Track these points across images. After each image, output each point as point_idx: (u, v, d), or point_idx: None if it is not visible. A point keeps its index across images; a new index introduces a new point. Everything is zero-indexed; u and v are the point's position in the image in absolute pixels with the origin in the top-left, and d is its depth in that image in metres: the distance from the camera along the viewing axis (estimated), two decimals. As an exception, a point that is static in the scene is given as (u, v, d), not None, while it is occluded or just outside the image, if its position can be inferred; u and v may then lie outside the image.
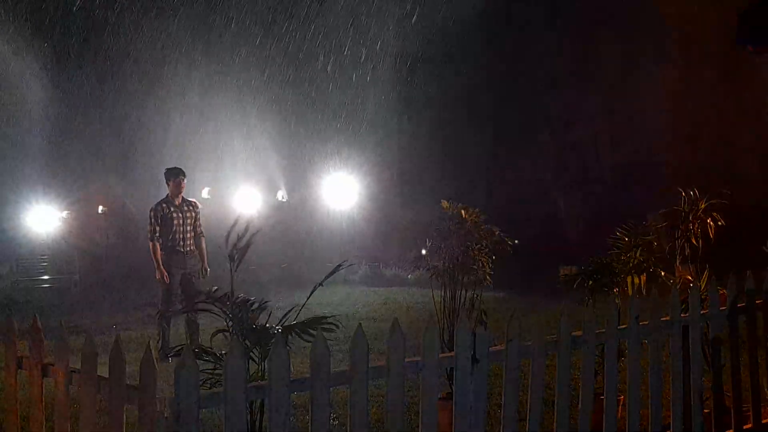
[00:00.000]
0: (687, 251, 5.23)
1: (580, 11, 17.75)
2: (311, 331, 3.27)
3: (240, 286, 3.50)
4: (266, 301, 3.48)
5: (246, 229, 3.44)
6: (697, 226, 5.19)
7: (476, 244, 5.29)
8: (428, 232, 5.50)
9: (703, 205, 5.23)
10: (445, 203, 5.39)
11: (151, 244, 8.43)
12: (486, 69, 19.07)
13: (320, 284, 3.63)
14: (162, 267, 8.33)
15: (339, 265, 3.78)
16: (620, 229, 5.41)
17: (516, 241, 5.44)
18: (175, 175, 8.52)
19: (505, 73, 18.75)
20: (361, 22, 19.84)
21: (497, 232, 5.37)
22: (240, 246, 3.42)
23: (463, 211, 5.31)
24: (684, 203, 5.30)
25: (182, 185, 8.52)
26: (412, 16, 18.94)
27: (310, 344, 3.14)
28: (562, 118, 18.45)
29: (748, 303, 4.72)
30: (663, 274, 5.15)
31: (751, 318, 4.74)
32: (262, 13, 20.31)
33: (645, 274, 5.14)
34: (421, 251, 5.93)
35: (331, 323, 3.38)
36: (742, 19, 4.01)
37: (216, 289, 3.49)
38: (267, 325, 3.35)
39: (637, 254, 5.21)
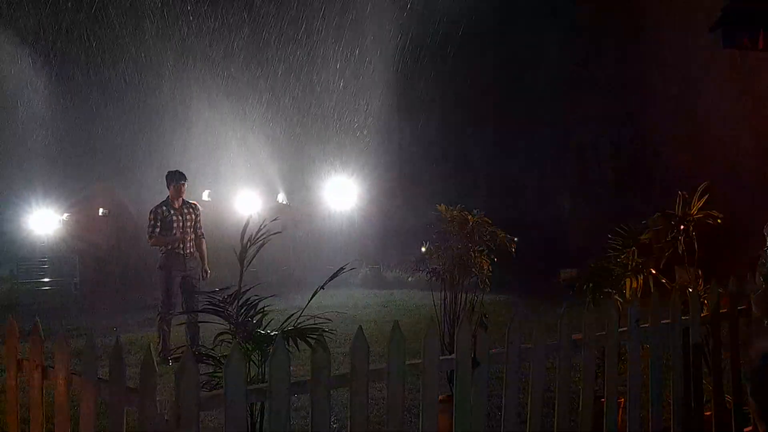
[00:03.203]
0: (684, 253, 5.21)
1: (578, 11, 17.75)
2: (309, 339, 3.27)
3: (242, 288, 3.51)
4: (267, 306, 3.49)
5: (258, 231, 3.49)
6: (692, 228, 5.17)
7: (477, 246, 5.30)
8: (428, 234, 5.52)
9: (696, 208, 5.22)
10: (441, 207, 5.42)
11: (153, 239, 8.46)
12: (487, 70, 19.09)
13: (322, 287, 3.65)
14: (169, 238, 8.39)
15: (341, 269, 3.79)
16: (617, 230, 5.40)
17: (516, 239, 5.45)
18: (176, 180, 8.55)
19: (506, 75, 18.76)
20: (359, 27, 19.87)
21: (502, 235, 5.38)
22: (250, 245, 3.46)
23: (464, 213, 5.33)
24: (678, 206, 5.28)
25: (182, 190, 8.55)
26: (410, 17, 18.96)
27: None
28: (565, 121, 18.44)
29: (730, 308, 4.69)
30: (654, 272, 5.12)
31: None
32: (262, 18, 20.33)
33: (642, 277, 5.13)
34: (421, 254, 5.94)
35: (321, 335, 3.29)
36: (725, 19, 3.81)
37: (225, 289, 3.51)
38: (268, 332, 3.36)
39: (635, 256, 5.20)
